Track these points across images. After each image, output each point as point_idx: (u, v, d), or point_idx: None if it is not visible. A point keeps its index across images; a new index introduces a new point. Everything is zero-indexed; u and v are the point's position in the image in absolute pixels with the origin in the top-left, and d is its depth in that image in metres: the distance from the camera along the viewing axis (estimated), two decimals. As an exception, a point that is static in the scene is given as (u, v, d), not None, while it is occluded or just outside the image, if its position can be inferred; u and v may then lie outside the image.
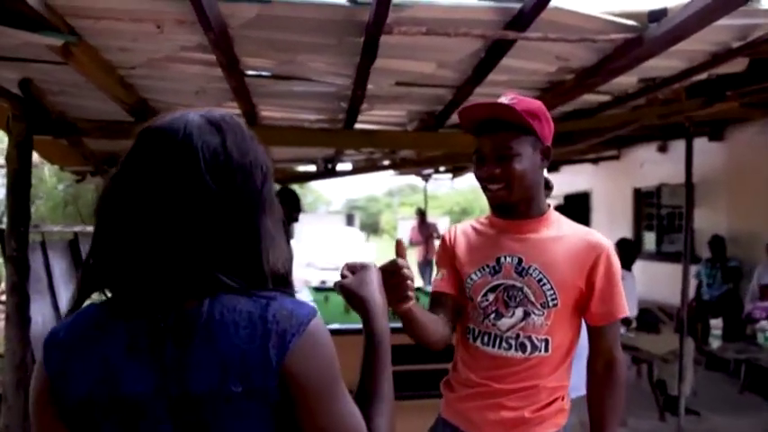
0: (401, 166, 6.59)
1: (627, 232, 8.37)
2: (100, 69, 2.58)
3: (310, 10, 2.12)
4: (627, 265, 5.39)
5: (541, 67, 2.86)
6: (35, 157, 5.42)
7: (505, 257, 1.54)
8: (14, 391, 3.18)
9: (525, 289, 1.52)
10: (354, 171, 6.50)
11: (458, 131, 3.97)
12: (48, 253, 4.46)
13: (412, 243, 10.95)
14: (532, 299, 1.51)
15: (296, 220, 4.63)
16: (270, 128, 3.72)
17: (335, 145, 4.07)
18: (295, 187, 5.42)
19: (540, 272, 1.51)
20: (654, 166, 7.96)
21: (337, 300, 4.96)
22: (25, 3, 1.85)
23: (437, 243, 8.69)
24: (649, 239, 8.50)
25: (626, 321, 5.16)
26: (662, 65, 2.82)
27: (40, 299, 4.18)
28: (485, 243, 1.60)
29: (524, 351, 1.51)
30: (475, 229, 1.66)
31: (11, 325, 3.20)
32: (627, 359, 5.66)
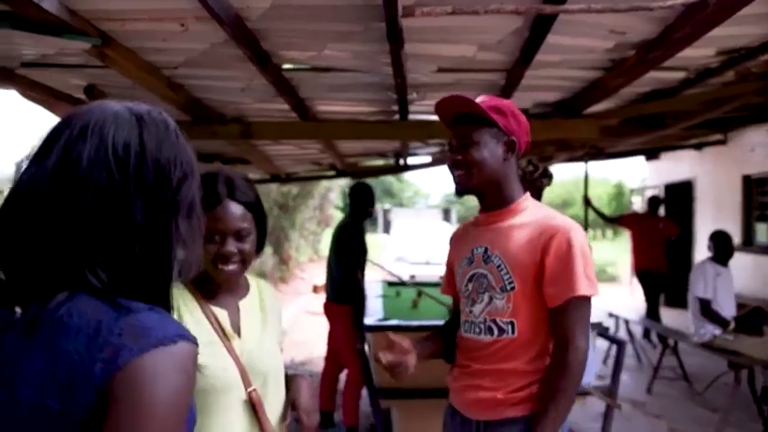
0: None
1: (735, 224, 7.60)
2: (142, 71, 2.66)
3: (324, -5, 2.05)
4: (723, 260, 4.87)
5: (597, 43, 2.60)
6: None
7: (477, 248, 1.68)
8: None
9: (488, 275, 1.63)
10: (432, 164, 6.37)
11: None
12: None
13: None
14: (493, 284, 1.62)
15: (370, 215, 4.60)
16: (324, 122, 3.69)
17: (391, 137, 3.98)
18: (392, 181, 5.41)
19: (500, 258, 1.61)
20: (766, 150, 7.16)
21: (408, 295, 4.88)
22: (48, 11, 1.91)
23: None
24: (762, 231, 7.67)
25: (723, 322, 4.66)
26: (739, 32, 2.47)
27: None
28: (467, 237, 1.76)
29: (492, 334, 1.62)
30: (465, 227, 1.83)
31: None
32: (722, 363, 5.12)
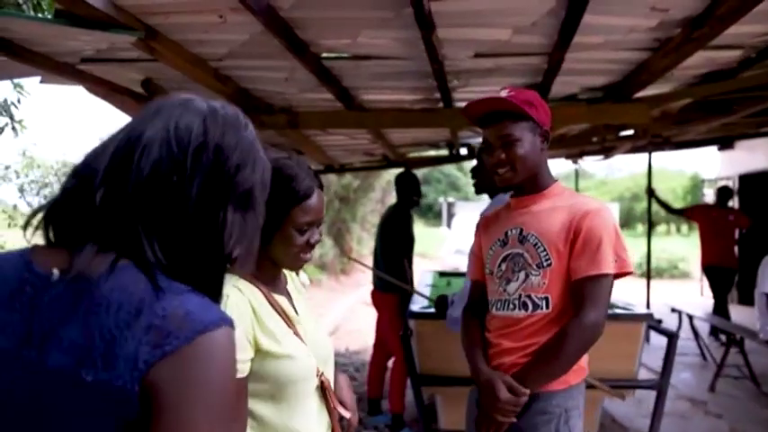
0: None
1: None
2: (189, 63, 2.78)
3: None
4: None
5: (639, 22, 2.51)
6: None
7: (511, 230, 1.80)
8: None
9: (525, 254, 1.74)
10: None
11: (566, 103, 3.65)
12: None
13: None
14: (530, 261, 1.72)
15: (417, 204, 4.64)
16: (368, 111, 3.73)
17: (436, 124, 3.96)
18: (458, 176, 5.37)
19: (537, 237, 1.73)
20: None
21: (459, 284, 4.89)
22: (96, 8, 2.05)
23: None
24: None
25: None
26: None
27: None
28: (498, 221, 1.87)
29: (526, 309, 1.72)
30: (496, 212, 1.93)
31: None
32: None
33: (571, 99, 3.72)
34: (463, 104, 3.75)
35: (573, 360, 1.68)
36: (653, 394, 3.43)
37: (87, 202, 0.75)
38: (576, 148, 7.14)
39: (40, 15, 2.21)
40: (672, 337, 3.53)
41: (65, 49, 2.66)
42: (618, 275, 1.70)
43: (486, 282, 1.86)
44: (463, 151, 5.59)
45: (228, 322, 0.73)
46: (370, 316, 9.06)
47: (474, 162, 2.81)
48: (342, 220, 12.71)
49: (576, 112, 3.51)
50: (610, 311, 3.61)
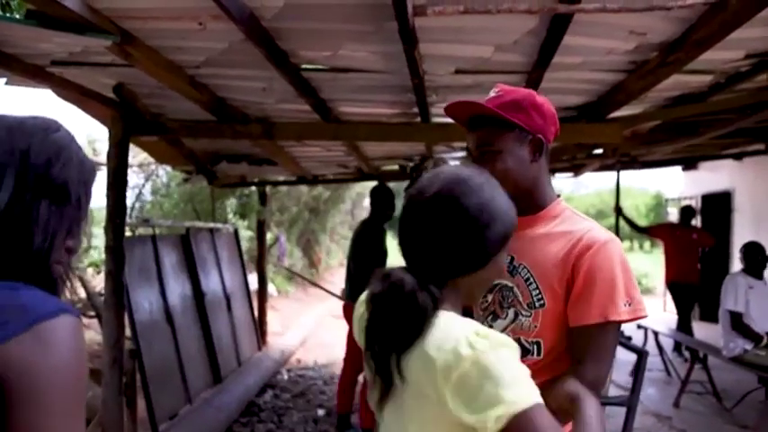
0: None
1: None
2: (165, 70, 2.72)
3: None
4: (756, 272, 4.71)
5: (617, 44, 2.55)
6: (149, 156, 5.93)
7: None
8: (110, 369, 3.46)
9: (515, 289, 1.45)
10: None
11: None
12: (158, 246, 4.84)
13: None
14: (520, 299, 1.44)
15: (390, 217, 4.62)
16: (344, 123, 3.71)
17: (411, 139, 3.96)
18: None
19: (528, 270, 1.43)
20: (809, 160, 6.91)
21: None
22: (70, 9, 1.98)
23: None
24: (804, 245, 7.38)
25: (755, 337, 4.50)
26: (765, 35, 2.39)
27: (147, 287, 4.55)
28: None
29: None
30: None
31: (107, 308, 3.49)
32: (753, 379, 4.93)
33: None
34: (441, 120, 3.80)
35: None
36: (620, 410, 3.46)
37: None
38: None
39: (8, 15, 2.12)
40: (642, 355, 3.57)
41: (35, 50, 2.57)
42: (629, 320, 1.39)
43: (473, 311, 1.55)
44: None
45: (69, 311, 0.77)
46: (339, 328, 8.98)
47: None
48: (311, 231, 12.62)
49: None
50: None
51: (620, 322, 1.36)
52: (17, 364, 0.70)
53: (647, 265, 16.38)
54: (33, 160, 0.84)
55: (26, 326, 0.72)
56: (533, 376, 1.32)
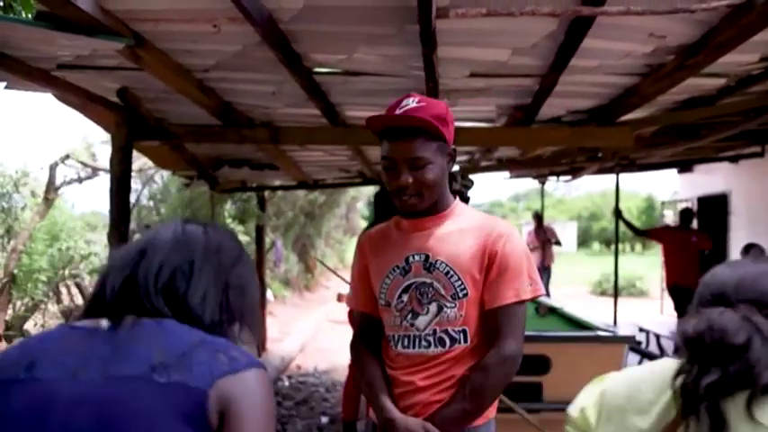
0: (507, 166, 6.30)
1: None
2: (174, 73, 2.67)
3: (358, -4, 2.03)
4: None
5: (635, 47, 2.53)
6: (149, 162, 5.85)
7: (413, 256, 1.59)
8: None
9: (435, 284, 1.56)
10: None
11: (551, 126, 3.67)
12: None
13: (529, 248, 10.50)
14: (443, 292, 1.55)
15: (393, 222, 4.57)
16: (352, 127, 3.67)
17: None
18: None
19: (447, 265, 1.55)
20: (806, 162, 6.94)
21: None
22: (83, 10, 1.92)
23: (557, 248, 8.27)
24: (802, 247, 7.41)
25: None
26: (786, 37, 2.37)
27: (148, 295, 4.48)
28: (393, 245, 1.64)
29: (444, 345, 1.55)
30: (383, 232, 1.72)
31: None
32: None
33: (555, 121, 3.74)
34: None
35: (497, 395, 1.57)
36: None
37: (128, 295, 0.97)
38: (546, 168, 7.24)
39: (15, 16, 2.06)
40: (653, 360, 3.55)
41: (41, 54, 2.51)
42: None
43: (381, 314, 1.63)
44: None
45: (262, 366, 0.94)
46: (337, 334, 8.93)
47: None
48: (307, 235, 12.56)
49: (561, 134, 3.53)
50: (592, 333, 3.64)
51: (525, 301, 1.56)
52: (241, 390, 0.88)
53: (641, 267, 16.43)
54: (224, 260, 1.03)
55: (249, 365, 0.91)
56: (460, 361, 1.55)
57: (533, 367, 3.48)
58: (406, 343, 1.57)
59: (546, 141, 3.65)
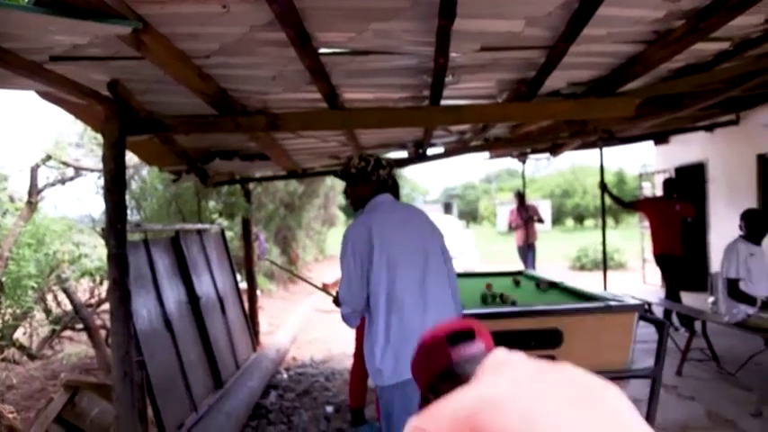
0: (495, 146, 6.28)
1: (751, 204, 7.55)
2: (175, 60, 2.56)
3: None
4: (756, 238, 4.79)
5: (646, 14, 2.51)
6: (135, 159, 5.68)
7: None
8: (121, 383, 3.28)
9: None
10: (446, 154, 6.28)
11: (554, 99, 3.65)
12: (151, 250, 4.63)
13: (511, 227, 10.57)
14: None
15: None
16: (352, 110, 3.59)
17: (421, 123, 3.87)
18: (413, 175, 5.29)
19: None
20: (782, 127, 7.10)
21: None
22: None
23: (538, 225, 8.36)
24: (780, 210, 7.61)
25: (751, 300, 4.59)
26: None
27: (144, 294, 4.35)
28: None
29: None
30: None
31: (115, 319, 3.30)
32: (750, 344, 5.06)
33: (554, 95, 3.72)
34: (451, 102, 3.72)
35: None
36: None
37: None
38: (531, 146, 7.25)
39: (9, 2, 1.93)
40: (662, 326, 3.59)
41: (35, 44, 2.37)
42: None
43: None
44: (431, 151, 5.54)
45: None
46: (327, 323, 8.88)
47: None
48: (288, 227, 12.41)
49: (564, 107, 3.51)
50: (603, 304, 3.66)
51: None
52: None
53: (618, 240, 16.72)
54: None
55: None
56: None
57: (547, 341, 3.49)
58: None
59: (548, 115, 3.62)
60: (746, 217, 4.79)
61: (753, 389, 4.75)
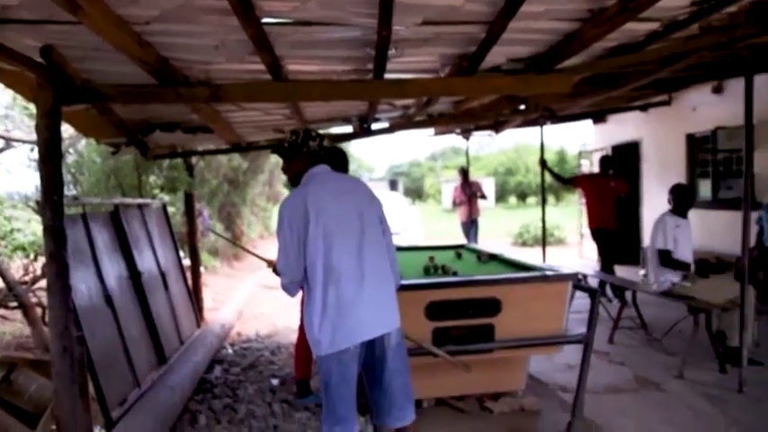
0: (439, 122, 6.37)
1: (680, 181, 7.95)
2: (113, 26, 2.49)
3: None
4: (682, 211, 5.08)
5: (582, -9, 2.61)
6: (71, 130, 5.48)
7: None
8: (60, 359, 3.21)
9: None
10: (391, 129, 6.32)
11: (494, 74, 3.75)
12: (89, 225, 4.51)
13: (455, 203, 10.75)
14: None
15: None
16: (297, 82, 3.58)
17: (365, 96, 3.90)
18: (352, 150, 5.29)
19: None
20: (708, 108, 7.49)
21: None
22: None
23: (481, 202, 8.57)
24: (705, 187, 8.07)
25: (684, 266, 4.87)
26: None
27: (84, 269, 4.25)
28: None
29: None
30: None
31: (53, 294, 3.22)
32: (675, 312, 5.39)
33: (495, 70, 3.81)
34: (394, 76, 3.75)
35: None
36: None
37: None
38: (474, 122, 7.39)
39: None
40: (594, 294, 3.79)
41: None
42: None
43: None
44: (376, 126, 5.58)
45: None
46: (272, 298, 8.86)
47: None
48: (232, 203, 12.23)
49: (504, 82, 3.61)
50: (539, 273, 3.83)
51: None
52: None
53: (558, 217, 17.29)
54: None
55: None
56: None
57: (485, 309, 3.63)
58: None
59: (489, 89, 3.72)
60: (674, 191, 5.06)
61: (676, 353, 5.09)
